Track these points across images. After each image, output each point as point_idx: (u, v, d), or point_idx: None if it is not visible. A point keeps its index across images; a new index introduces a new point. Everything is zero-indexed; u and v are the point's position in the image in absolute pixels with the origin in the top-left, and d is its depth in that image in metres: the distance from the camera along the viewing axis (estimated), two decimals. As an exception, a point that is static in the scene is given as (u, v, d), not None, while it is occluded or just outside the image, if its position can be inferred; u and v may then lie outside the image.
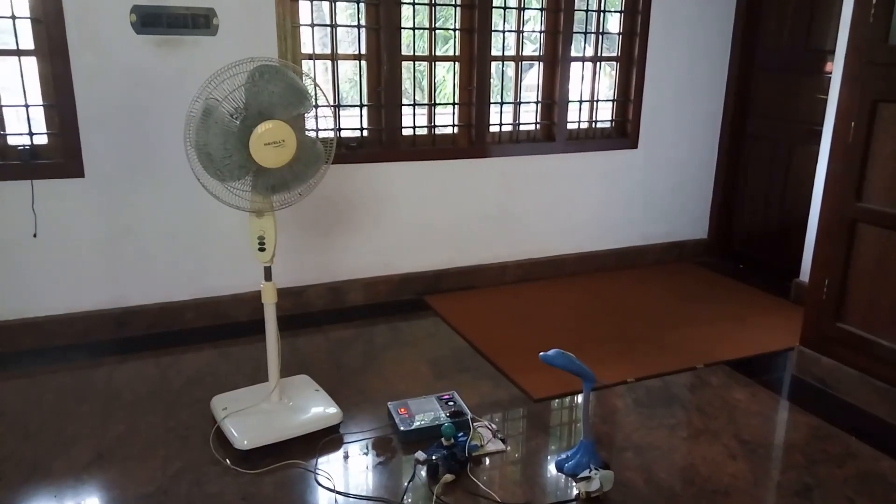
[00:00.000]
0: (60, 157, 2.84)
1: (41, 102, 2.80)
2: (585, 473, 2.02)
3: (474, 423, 2.31)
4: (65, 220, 2.89)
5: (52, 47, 2.73)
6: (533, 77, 3.84)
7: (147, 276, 3.08)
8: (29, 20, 2.71)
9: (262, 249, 2.22)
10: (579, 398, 2.59)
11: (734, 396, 2.64)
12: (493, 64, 3.60)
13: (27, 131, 2.81)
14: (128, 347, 2.97)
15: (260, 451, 2.17)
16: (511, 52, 3.68)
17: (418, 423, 2.30)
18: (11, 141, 2.81)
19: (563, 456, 2.15)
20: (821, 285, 2.69)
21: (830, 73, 3.51)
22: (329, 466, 2.16)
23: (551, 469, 2.17)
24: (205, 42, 2.93)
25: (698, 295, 3.77)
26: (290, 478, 2.10)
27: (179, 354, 2.93)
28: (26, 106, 2.78)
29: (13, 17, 2.68)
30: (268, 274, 2.27)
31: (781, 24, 3.92)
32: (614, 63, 3.96)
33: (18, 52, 2.73)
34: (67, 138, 2.82)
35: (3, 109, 2.76)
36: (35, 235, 2.85)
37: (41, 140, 2.85)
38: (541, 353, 2.07)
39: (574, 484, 2.05)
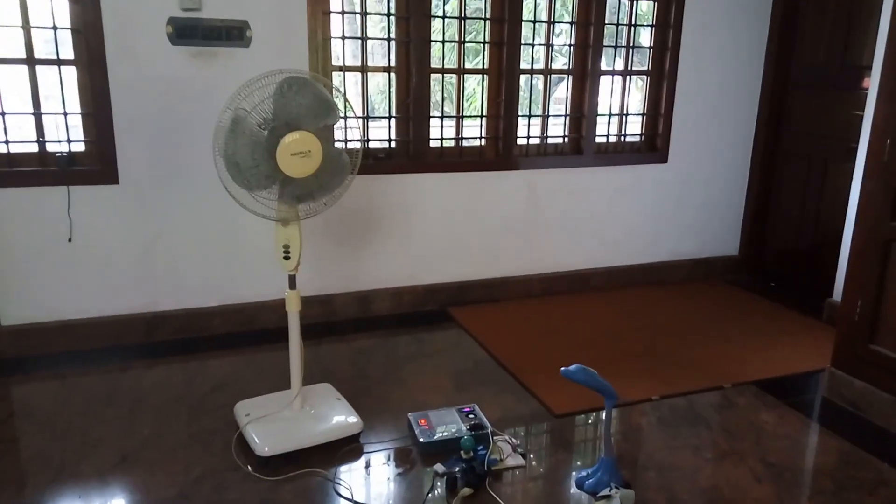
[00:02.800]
0: (96, 164, 2.92)
1: (79, 111, 2.88)
2: (606, 492, 2.00)
3: (494, 437, 2.30)
4: (99, 225, 2.96)
5: (90, 57, 2.80)
6: (562, 90, 3.83)
7: (177, 282, 3.14)
8: (69, 31, 2.79)
9: (286, 258, 2.24)
10: (603, 415, 2.56)
11: (761, 418, 2.58)
12: (523, 77, 3.60)
13: (65, 139, 2.88)
14: (156, 352, 3.02)
15: (280, 459, 2.19)
16: (540, 65, 3.68)
17: (438, 436, 2.29)
18: (50, 148, 2.89)
19: (584, 473, 2.13)
20: (854, 306, 2.63)
21: (867, 89, 3.43)
22: (348, 476, 2.16)
23: (571, 486, 2.14)
24: (238, 54, 2.99)
25: (727, 313, 3.70)
26: (310, 486, 2.11)
27: (206, 360, 2.97)
28: (65, 114, 2.86)
29: (54, 28, 2.76)
30: (292, 282, 2.30)
31: (818, 38, 3.85)
32: (645, 77, 3.94)
33: (59, 62, 2.82)
34: (103, 146, 2.90)
35: (43, 117, 2.84)
36: (70, 240, 2.93)
37: (78, 147, 2.93)
38: (562, 368, 2.05)
39: (594, 502, 2.02)
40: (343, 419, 2.36)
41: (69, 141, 2.89)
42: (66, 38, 2.80)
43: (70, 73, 2.85)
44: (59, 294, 2.97)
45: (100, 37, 2.79)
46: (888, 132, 2.46)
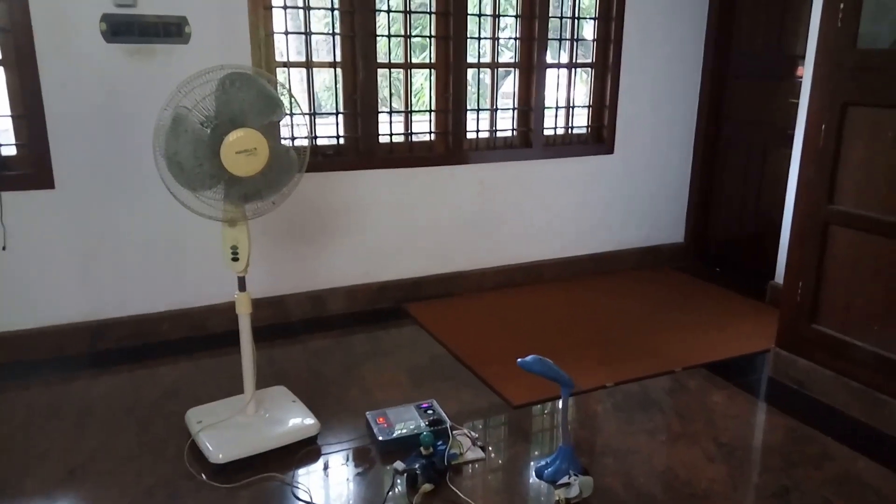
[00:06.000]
0: (30, 168, 2.79)
1: (9, 113, 2.75)
2: (565, 480, 2.01)
3: (453, 432, 2.30)
4: (35, 232, 2.84)
5: (20, 57, 2.68)
6: (510, 84, 3.85)
7: (122, 287, 3.04)
8: (-4, 29, 2.67)
9: (235, 259, 2.19)
10: (560, 404, 2.59)
11: (712, 399, 2.65)
12: (470, 71, 3.60)
13: (-5, 142, 2.76)
14: (102, 361, 2.92)
15: (236, 465, 2.14)
16: (487, 59, 3.69)
17: (397, 433, 2.28)
18: (-21, 152, 2.76)
19: (543, 462, 2.14)
20: (795, 287, 2.71)
21: (801, 77, 3.55)
22: (307, 479, 2.13)
23: (531, 476, 2.16)
24: (177, 51, 2.90)
25: (675, 299, 3.79)
26: (267, 491, 2.06)
27: (155, 367, 2.88)
28: (-6, 117, 2.73)
29: (-20, 27, 2.64)
30: (242, 284, 2.24)
31: (754, 29, 3.97)
32: (589, 69, 3.99)
33: (-15, 62, 2.69)
34: (36, 149, 2.77)
35: (-30, 120, 2.71)
36: (3, 248, 2.80)
37: (9, 151, 2.79)
38: (519, 360, 2.06)
39: (554, 490, 2.04)
40: (299, 421, 2.32)
41: None
42: (-8, 37, 2.68)
43: (-2, 73, 2.72)
44: (-5, 305, 2.84)
45: (29, 35, 2.67)
46: (822, 119, 2.55)
